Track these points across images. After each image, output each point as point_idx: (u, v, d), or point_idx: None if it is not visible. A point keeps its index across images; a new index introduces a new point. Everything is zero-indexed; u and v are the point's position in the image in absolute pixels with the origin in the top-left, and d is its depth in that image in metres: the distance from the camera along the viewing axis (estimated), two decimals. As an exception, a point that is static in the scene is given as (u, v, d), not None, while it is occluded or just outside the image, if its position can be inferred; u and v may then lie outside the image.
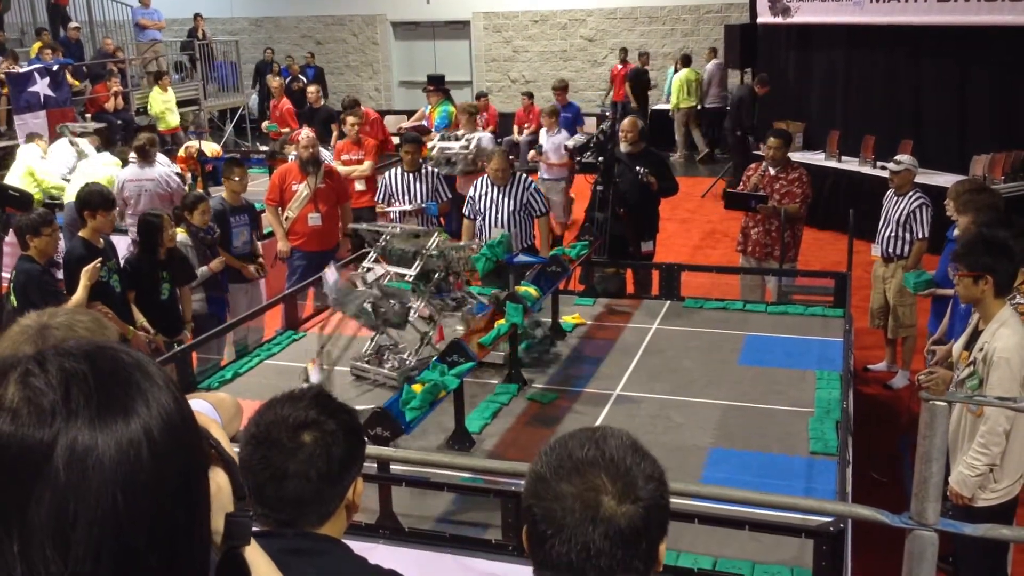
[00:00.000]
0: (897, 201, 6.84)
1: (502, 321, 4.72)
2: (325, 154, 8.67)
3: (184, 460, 0.87)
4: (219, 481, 0.96)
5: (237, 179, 7.05)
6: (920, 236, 6.73)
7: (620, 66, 16.97)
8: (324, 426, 1.83)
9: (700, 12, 17.28)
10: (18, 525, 0.77)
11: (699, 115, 16.00)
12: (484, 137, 9.54)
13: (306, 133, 7.73)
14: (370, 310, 4.76)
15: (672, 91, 15.77)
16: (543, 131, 11.20)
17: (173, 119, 14.77)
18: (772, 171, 7.37)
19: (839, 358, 5.04)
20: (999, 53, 9.98)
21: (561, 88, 12.76)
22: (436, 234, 5.00)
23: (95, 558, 0.78)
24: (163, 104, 14.66)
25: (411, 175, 7.74)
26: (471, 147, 9.25)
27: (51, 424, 0.79)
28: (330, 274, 4.87)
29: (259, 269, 7.18)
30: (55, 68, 12.52)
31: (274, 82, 14.12)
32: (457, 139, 9.43)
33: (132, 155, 8.29)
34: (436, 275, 4.93)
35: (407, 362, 4.79)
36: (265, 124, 13.44)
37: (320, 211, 7.40)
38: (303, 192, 7.39)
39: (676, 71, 16.10)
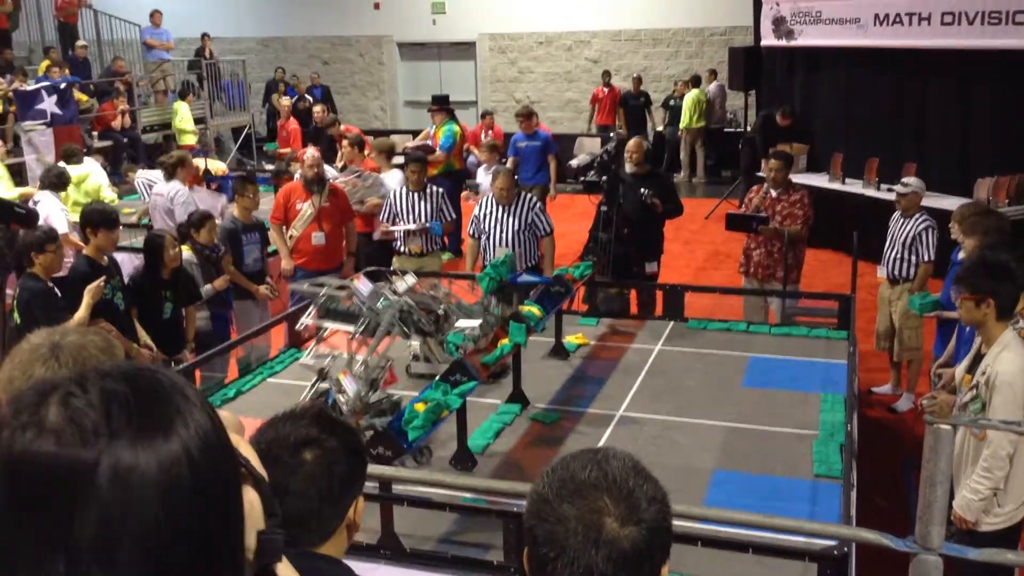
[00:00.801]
0: (903, 223, 6.85)
1: (505, 340, 4.72)
2: (331, 172, 8.70)
3: (221, 478, 0.89)
4: (250, 499, 0.97)
5: (249, 196, 7.07)
6: (926, 259, 6.73)
7: (605, 89, 17.02)
8: (325, 444, 1.82)
9: (704, 34, 17.36)
10: (64, 544, 0.79)
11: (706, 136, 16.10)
12: (378, 177, 8.82)
13: (311, 152, 7.76)
14: (408, 315, 4.66)
15: (683, 112, 15.85)
16: (482, 167, 10.83)
17: (192, 137, 15.02)
18: (774, 193, 7.39)
19: (843, 380, 5.02)
20: (1002, 76, 10.01)
21: (525, 115, 11.60)
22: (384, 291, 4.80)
23: (139, 574, 0.80)
24: (185, 120, 14.99)
25: (416, 194, 7.76)
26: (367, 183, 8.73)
27: (94, 444, 0.81)
28: (362, 284, 4.77)
29: (271, 290, 7.19)
30: (62, 86, 12.61)
31: (283, 102, 14.20)
32: (359, 176, 8.86)
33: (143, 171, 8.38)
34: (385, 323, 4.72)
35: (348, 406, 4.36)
36: (266, 146, 13.53)
37: (324, 230, 7.42)
38: (307, 211, 7.41)
39: (679, 93, 16.23)
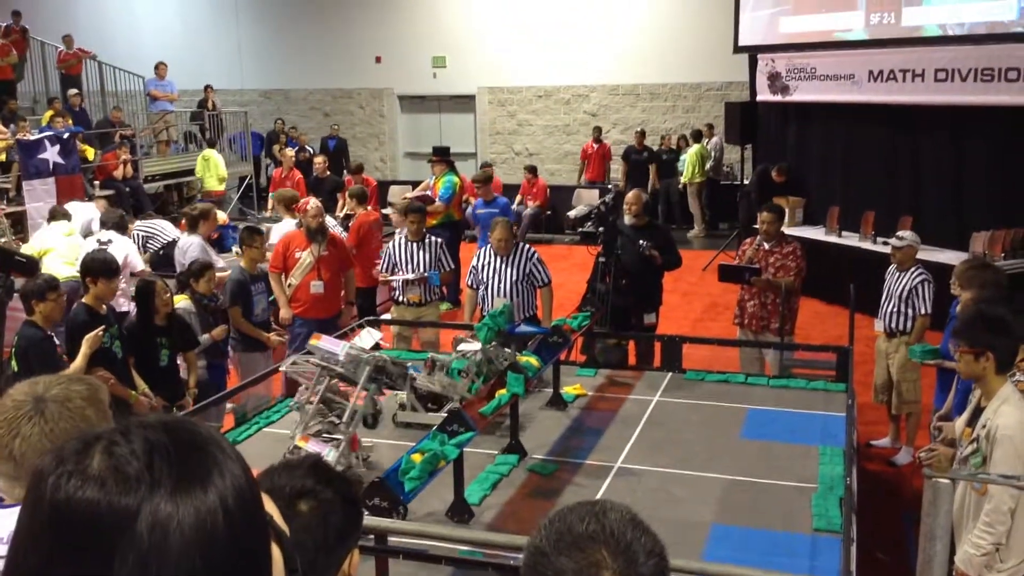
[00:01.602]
0: (899, 277, 6.87)
1: (503, 391, 4.71)
2: (331, 222, 8.76)
3: (254, 529, 0.92)
4: (274, 554, 0.99)
5: (257, 247, 7.10)
6: (922, 311, 6.75)
7: (595, 145, 17.14)
8: (321, 495, 1.81)
9: (701, 89, 17.59)
10: None
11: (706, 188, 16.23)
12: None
13: (314, 203, 7.82)
14: (376, 376, 4.74)
15: (686, 166, 15.98)
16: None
17: (220, 184, 15.48)
18: (767, 245, 7.46)
19: (842, 433, 5.00)
20: (996, 132, 10.13)
21: (483, 180, 10.55)
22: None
23: None
24: (217, 167, 15.49)
25: (415, 244, 7.79)
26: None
27: (136, 491, 0.84)
28: (327, 343, 4.84)
29: (282, 336, 7.19)
30: (65, 136, 12.72)
31: (287, 153, 14.33)
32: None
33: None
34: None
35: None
36: (272, 196, 13.61)
37: (323, 279, 7.44)
38: (307, 259, 7.44)
39: (666, 147, 16.42)
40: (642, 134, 16.86)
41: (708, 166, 16.20)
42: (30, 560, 0.85)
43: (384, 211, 11.45)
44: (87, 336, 5.36)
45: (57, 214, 9.39)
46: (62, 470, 0.86)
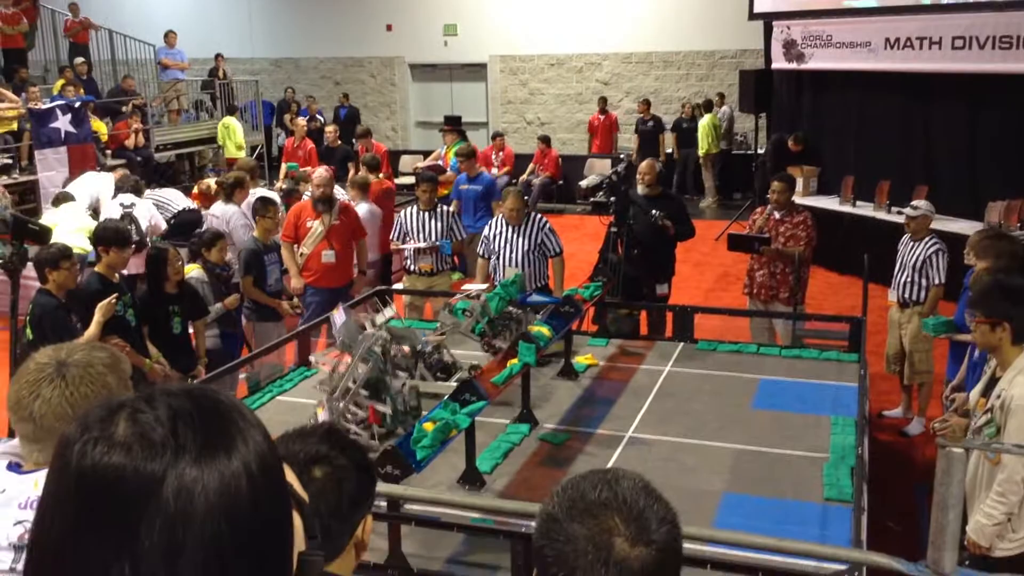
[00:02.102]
0: (913, 247, 6.83)
1: (515, 360, 4.71)
2: (340, 192, 8.74)
3: (276, 495, 0.93)
4: (295, 521, 1.01)
5: (271, 217, 7.10)
6: (936, 282, 6.71)
7: (601, 116, 16.97)
8: (335, 461, 1.83)
9: (715, 57, 17.41)
10: (129, 549, 0.83)
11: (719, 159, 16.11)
12: None
13: (319, 172, 7.79)
14: (379, 352, 4.73)
15: (700, 138, 15.85)
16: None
17: (240, 152, 15.61)
18: (777, 215, 7.43)
19: (854, 403, 4.99)
20: (1013, 101, 10.01)
21: (465, 155, 9.73)
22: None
23: None
24: (237, 134, 15.83)
25: (426, 213, 7.78)
26: None
27: (161, 457, 0.86)
28: (338, 316, 4.86)
29: (295, 307, 7.20)
30: (77, 105, 12.71)
31: (298, 122, 14.29)
32: None
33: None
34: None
35: None
36: (285, 165, 13.60)
37: (334, 248, 7.44)
38: (317, 229, 7.44)
39: (687, 116, 16.25)
40: (647, 103, 16.70)
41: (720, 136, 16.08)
42: (56, 526, 0.86)
43: (398, 180, 11.41)
44: (100, 304, 5.38)
45: (60, 200, 9.42)
46: (88, 436, 0.87)
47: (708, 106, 16.14)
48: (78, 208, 9.18)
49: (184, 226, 8.94)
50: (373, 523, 1.95)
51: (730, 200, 15.97)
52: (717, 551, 3.13)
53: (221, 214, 7.99)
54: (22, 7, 16.10)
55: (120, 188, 9.11)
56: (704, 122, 15.85)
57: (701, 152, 15.94)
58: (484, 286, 5.28)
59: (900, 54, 10.96)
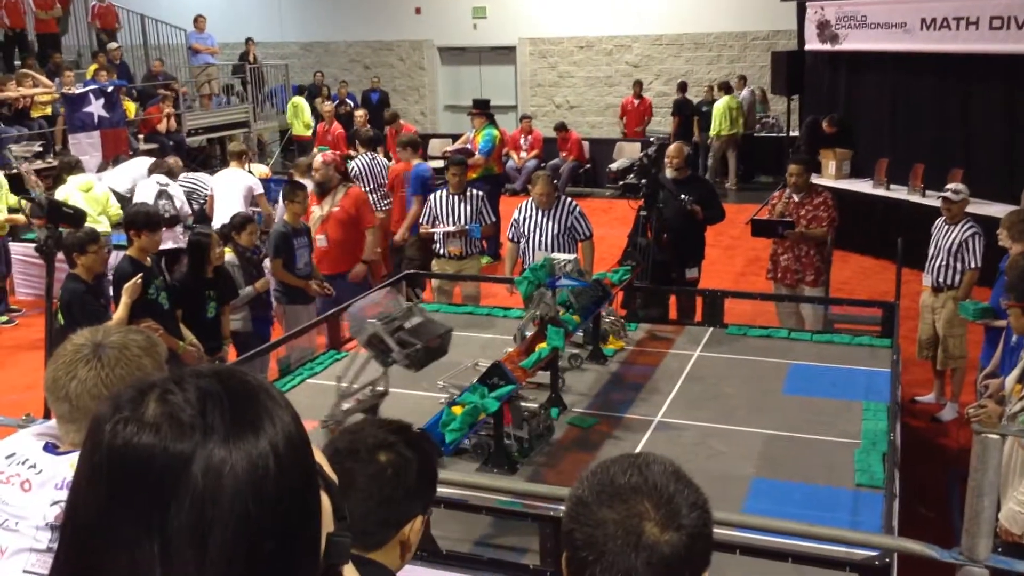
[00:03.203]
0: (948, 230, 6.73)
1: (543, 344, 4.71)
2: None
3: (304, 475, 0.95)
4: (323, 501, 1.02)
5: (299, 202, 7.15)
6: (972, 266, 6.61)
7: (635, 101, 16.81)
8: (401, 451, 1.87)
9: (747, 39, 17.23)
10: (159, 527, 0.85)
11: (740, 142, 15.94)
12: None
13: (317, 158, 7.90)
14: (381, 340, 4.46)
15: (713, 119, 15.70)
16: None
17: (306, 130, 16.41)
18: (796, 198, 7.34)
19: (886, 389, 4.94)
20: (1052, 82, 9.83)
21: (410, 144, 9.27)
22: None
23: (228, 560, 0.86)
24: (306, 114, 16.64)
25: (456, 197, 7.78)
26: None
27: (190, 438, 0.87)
28: (354, 307, 4.64)
29: (323, 286, 7.24)
30: (110, 89, 12.83)
31: (326, 107, 14.32)
32: None
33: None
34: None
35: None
36: (316, 149, 13.67)
37: (326, 233, 7.48)
38: (316, 214, 7.54)
39: (709, 99, 16.10)
40: (683, 86, 16.55)
41: (740, 118, 15.90)
42: (89, 505, 0.88)
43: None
44: (126, 285, 5.43)
45: (69, 166, 9.47)
46: (119, 417, 0.89)
47: (727, 88, 15.92)
48: (90, 183, 9.25)
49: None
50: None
51: (750, 183, 15.77)
52: (746, 536, 3.12)
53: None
54: (55, -8, 16.24)
55: (152, 171, 9.26)
56: (720, 104, 15.66)
57: (712, 134, 15.77)
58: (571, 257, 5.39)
59: (936, 35, 10.77)
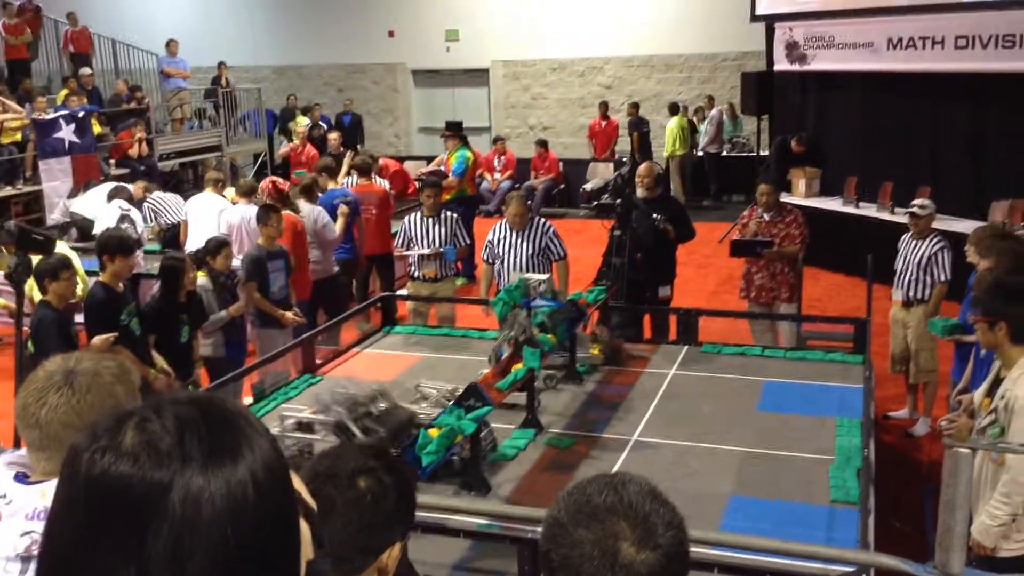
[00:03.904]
0: (917, 245, 6.82)
1: (519, 365, 4.71)
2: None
3: (283, 501, 0.95)
4: (302, 528, 1.01)
5: (274, 225, 7.12)
6: (941, 279, 6.71)
7: (602, 122, 16.86)
8: (381, 478, 1.86)
9: (717, 60, 17.43)
10: (136, 555, 0.85)
11: (691, 162, 16.10)
12: None
13: (262, 184, 7.98)
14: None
15: (666, 140, 15.87)
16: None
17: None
18: (767, 216, 7.53)
19: (859, 405, 4.98)
20: (1016, 100, 10.00)
21: (326, 169, 9.49)
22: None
23: None
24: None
25: (430, 219, 7.78)
26: None
27: (168, 466, 0.87)
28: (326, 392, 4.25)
29: (297, 315, 7.19)
30: (80, 115, 12.74)
31: (298, 128, 14.31)
32: None
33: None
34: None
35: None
36: (295, 172, 13.67)
37: None
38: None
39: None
40: (635, 106, 16.68)
41: (702, 137, 16.13)
42: (66, 534, 0.88)
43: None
44: (95, 339, 5.40)
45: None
46: (96, 446, 0.89)
47: (674, 109, 16.10)
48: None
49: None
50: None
51: (729, 202, 15.91)
52: (724, 554, 3.13)
53: (307, 213, 8.14)
54: (25, 18, 16.14)
55: (112, 197, 9.23)
56: (672, 124, 15.83)
57: (666, 154, 15.92)
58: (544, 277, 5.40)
59: (903, 54, 10.96)
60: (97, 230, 9.00)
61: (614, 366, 5.89)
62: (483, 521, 3.59)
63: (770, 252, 7.30)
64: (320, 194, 8.68)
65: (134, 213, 9.03)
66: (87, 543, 0.86)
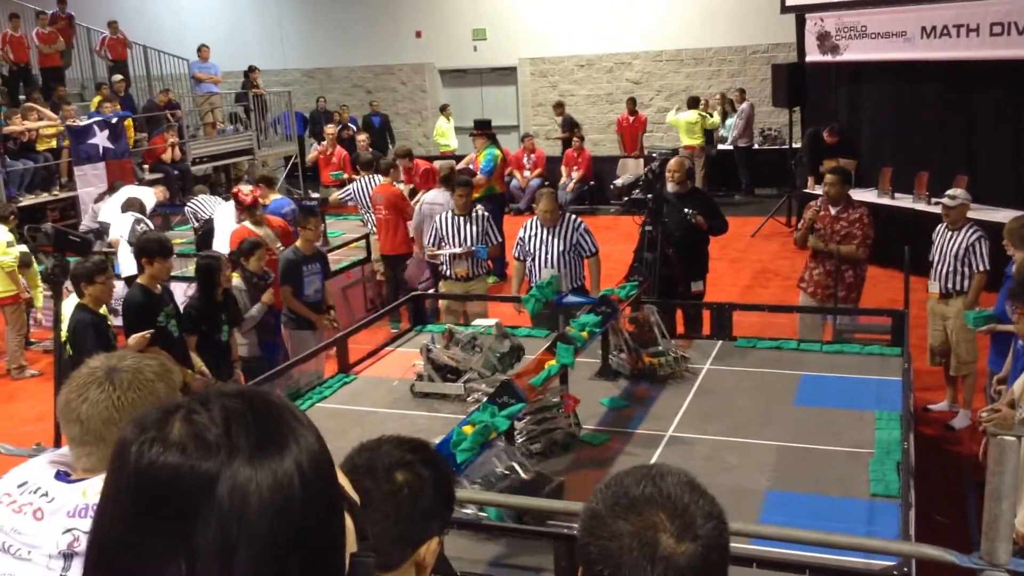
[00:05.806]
0: (952, 236, 6.72)
1: (552, 362, 4.70)
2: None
3: (328, 494, 0.95)
4: (345, 521, 1.02)
5: (312, 228, 7.17)
6: (979, 269, 6.59)
7: (630, 117, 16.73)
8: (419, 472, 1.85)
9: (747, 52, 17.29)
10: (185, 547, 0.85)
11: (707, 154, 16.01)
12: None
13: (245, 188, 8.05)
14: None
15: (680, 132, 15.73)
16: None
17: (448, 146, 17.22)
18: (832, 211, 7.13)
19: (898, 398, 4.91)
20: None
21: (263, 181, 9.42)
22: None
23: None
24: (447, 132, 17.64)
25: (461, 218, 7.79)
26: None
27: (215, 457, 0.88)
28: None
29: (331, 321, 7.23)
30: (114, 120, 12.91)
31: (328, 130, 14.39)
32: None
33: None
34: None
35: None
36: (331, 174, 13.77)
37: None
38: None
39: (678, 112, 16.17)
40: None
41: (730, 131, 16.02)
42: (115, 527, 0.89)
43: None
44: (131, 338, 5.46)
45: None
46: (144, 437, 0.89)
47: (693, 103, 15.87)
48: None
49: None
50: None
51: (752, 196, 15.78)
52: (763, 549, 3.09)
53: (427, 198, 8.94)
54: (58, 27, 16.39)
55: (126, 209, 9.28)
56: (685, 117, 15.65)
57: (681, 145, 15.77)
58: (493, 322, 5.52)
59: (937, 42, 10.80)
60: (110, 238, 9.17)
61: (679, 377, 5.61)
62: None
63: (817, 243, 7.03)
64: (264, 204, 8.59)
65: (148, 222, 9.13)
66: (136, 534, 0.87)
